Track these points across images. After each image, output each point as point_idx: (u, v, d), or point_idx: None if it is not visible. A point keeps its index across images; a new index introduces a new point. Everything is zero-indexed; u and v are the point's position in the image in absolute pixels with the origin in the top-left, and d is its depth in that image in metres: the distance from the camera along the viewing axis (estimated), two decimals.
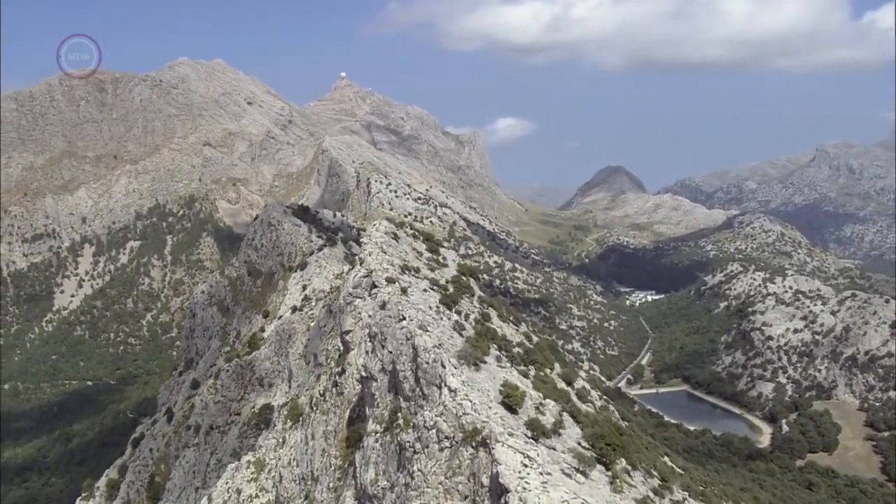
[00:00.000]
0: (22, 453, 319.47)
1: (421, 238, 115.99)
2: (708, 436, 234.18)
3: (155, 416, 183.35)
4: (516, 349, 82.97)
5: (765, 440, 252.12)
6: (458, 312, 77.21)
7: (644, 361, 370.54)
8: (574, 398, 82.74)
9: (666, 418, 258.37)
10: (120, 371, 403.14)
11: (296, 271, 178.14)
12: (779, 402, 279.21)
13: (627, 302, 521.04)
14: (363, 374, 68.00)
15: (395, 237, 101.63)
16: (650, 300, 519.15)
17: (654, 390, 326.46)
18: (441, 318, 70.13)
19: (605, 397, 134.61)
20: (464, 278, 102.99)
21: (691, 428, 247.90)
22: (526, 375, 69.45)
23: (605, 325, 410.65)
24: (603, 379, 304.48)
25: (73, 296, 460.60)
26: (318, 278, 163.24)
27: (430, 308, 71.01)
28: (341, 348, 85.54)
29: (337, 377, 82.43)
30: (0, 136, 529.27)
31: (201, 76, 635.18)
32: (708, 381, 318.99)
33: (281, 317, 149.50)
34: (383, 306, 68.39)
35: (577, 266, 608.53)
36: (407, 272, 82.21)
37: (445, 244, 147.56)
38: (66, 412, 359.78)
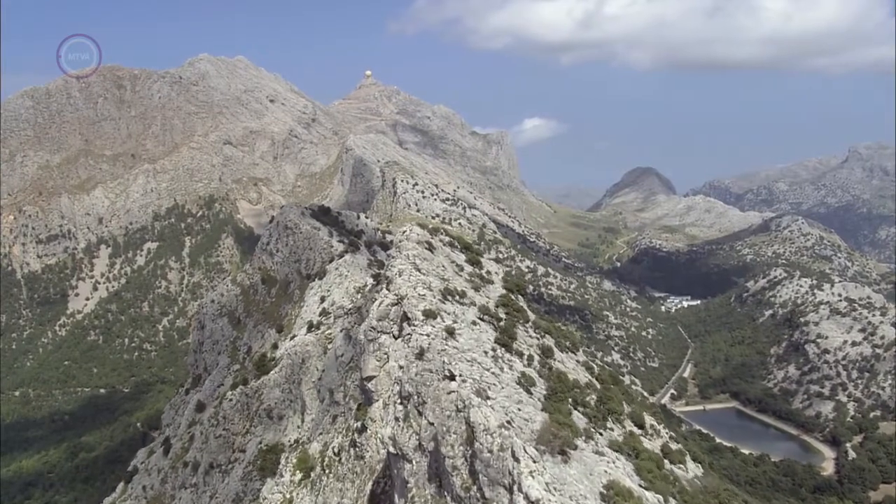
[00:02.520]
0: (27, 466, 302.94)
1: (458, 246, 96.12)
2: (768, 463, 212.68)
3: (153, 443, 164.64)
4: (589, 396, 62.98)
5: (828, 467, 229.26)
6: (520, 354, 57.30)
7: (686, 374, 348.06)
8: (665, 462, 62.72)
9: (717, 440, 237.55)
10: (134, 378, 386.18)
11: (314, 280, 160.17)
12: (840, 423, 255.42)
13: (663, 308, 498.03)
14: (391, 449, 47.96)
15: (430, 247, 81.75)
16: (686, 306, 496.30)
17: (700, 407, 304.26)
18: (502, 370, 50.11)
19: (672, 435, 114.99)
20: (512, 296, 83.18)
21: (746, 452, 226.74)
22: (620, 449, 49.48)
23: (643, 333, 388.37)
24: (646, 395, 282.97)
25: (87, 299, 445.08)
26: (337, 289, 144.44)
27: (486, 354, 51.15)
28: (362, 396, 65.69)
29: (356, 434, 62.60)
30: (14, 134, 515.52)
31: (222, 73, 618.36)
32: (759, 398, 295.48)
33: (295, 336, 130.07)
34: (421, 355, 48.49)
35: (608, 269, 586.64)
36: (450, 298, 62.18)
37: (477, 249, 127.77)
38: (77, 421, 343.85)
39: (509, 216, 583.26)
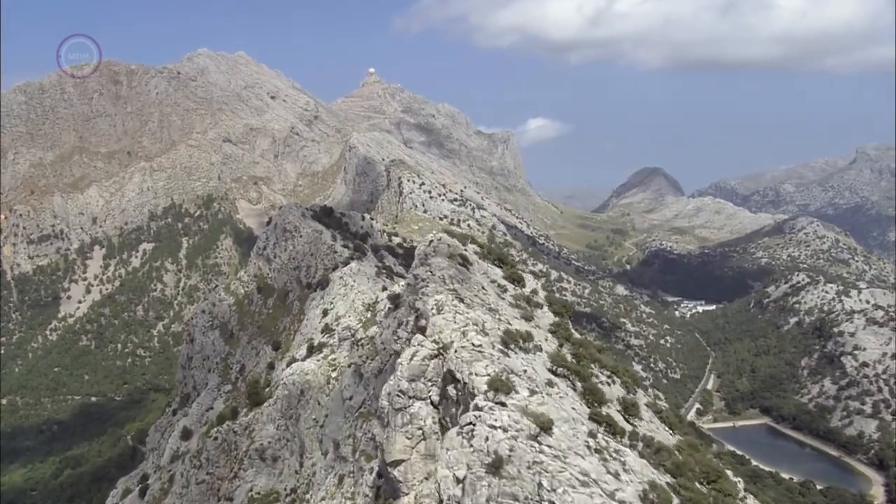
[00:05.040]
0: (11, 481, 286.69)
1: (491, 259, 77.49)
2: (814, 492, 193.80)
3: (132, 474, 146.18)
4: (698, 475, 44.59)
5: (878, 494, 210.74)
6: (622, 432, 39.02)
7: (710, 386, 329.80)
8: None
9: (753, 462, 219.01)
10: (127, 386, 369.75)
11: (315, 290, 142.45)
12: (886, 443, 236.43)
13: (677, 313, 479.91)
14: None
15: (465, 262, 63.13)
16: (701, 311, 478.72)
17: (730, 424, 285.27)
18: (618, 476, 31.63)
19: (747, 488, 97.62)
20: (561, 321, 64.82)
21: (786, 476, 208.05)
22: None
23: (661, 342, 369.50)
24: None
25: (80, 302, 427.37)
26: (342, 302, 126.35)
27: (590, 448, 32.86)
28: (380, 483, 47.00)
29: None
30: (6, 130, 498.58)
31: (222, 69, 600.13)
32: (793, 415, 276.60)
33: (293, 359, 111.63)
34: (497, 467, 29.80)
35: (618, 273, 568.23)
36: (513, 346, 43.52)
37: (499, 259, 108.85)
38: (66, 432, 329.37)
39: (517, 217, 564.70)
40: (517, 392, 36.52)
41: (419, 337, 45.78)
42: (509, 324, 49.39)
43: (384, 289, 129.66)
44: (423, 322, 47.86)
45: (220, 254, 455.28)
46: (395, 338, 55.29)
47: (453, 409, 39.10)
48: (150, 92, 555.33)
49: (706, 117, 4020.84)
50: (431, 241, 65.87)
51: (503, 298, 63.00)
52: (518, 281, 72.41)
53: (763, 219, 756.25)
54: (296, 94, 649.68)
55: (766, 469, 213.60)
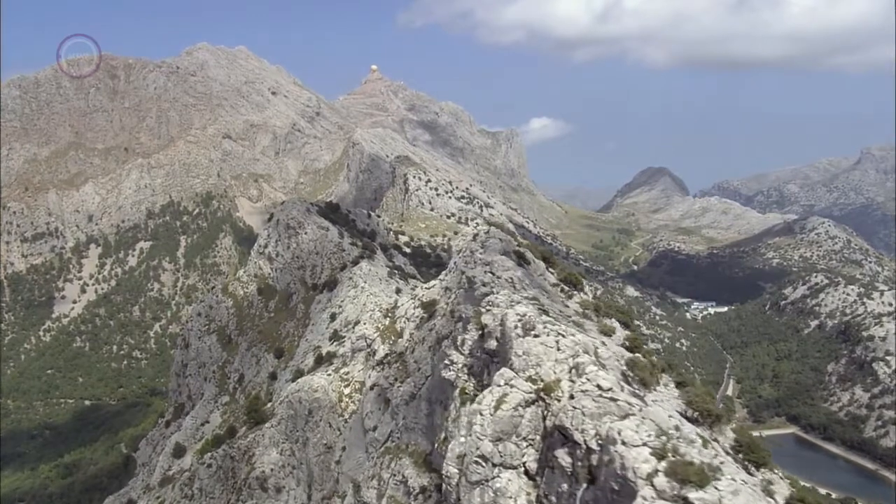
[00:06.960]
0: None
1: (537, 257, 64.17)
2: None
3: (118, 493, 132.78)
4: None
5: None
6: None
7: (730, 392, 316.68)
8: None
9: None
10: (122, 389, 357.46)
11: (322, 292, 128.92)
12: None
13: (688, 315, 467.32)
14: None
15: (522, 260, 49.90)
16: (713, 313, 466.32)
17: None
18: None
19: None
20: (635, 336, 51.65)
21: (823, 492, 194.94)
22: None
23: (676, 345, 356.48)
24: None
25: (74, 302, 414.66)
26: (352, 305, 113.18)
27: None
28: None
29: None
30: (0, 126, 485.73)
31: (222, 63, 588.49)
32: (823, 424, 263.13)
33: (299, 372, 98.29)
34: None
35: (626, 273, 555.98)
36: (641, 386, 29.96)
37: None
38: (58, 438, 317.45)
39: (523, 217, 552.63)
40: (704, 479, 23.01)
41: (507, 373, 31.50)
42: (603, 344, 36.00)
43: (398, 291, 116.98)
44: (492, 344, 34.42)
45: (220, 253, 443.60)
46: (446, 363, 41.51)
47: (565, 485, 25.70)
48: (149, 87, 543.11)
49: (710, 117, 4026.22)
50: (477, 234, 52.74)
51: (567, 305, 49.93)
52: (576, 284, 59.23)
53: (771, 219, 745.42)
54: (297, 90, 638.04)
55: (804, 484, 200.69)
